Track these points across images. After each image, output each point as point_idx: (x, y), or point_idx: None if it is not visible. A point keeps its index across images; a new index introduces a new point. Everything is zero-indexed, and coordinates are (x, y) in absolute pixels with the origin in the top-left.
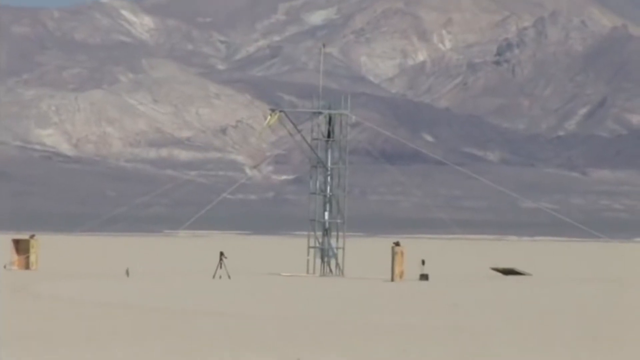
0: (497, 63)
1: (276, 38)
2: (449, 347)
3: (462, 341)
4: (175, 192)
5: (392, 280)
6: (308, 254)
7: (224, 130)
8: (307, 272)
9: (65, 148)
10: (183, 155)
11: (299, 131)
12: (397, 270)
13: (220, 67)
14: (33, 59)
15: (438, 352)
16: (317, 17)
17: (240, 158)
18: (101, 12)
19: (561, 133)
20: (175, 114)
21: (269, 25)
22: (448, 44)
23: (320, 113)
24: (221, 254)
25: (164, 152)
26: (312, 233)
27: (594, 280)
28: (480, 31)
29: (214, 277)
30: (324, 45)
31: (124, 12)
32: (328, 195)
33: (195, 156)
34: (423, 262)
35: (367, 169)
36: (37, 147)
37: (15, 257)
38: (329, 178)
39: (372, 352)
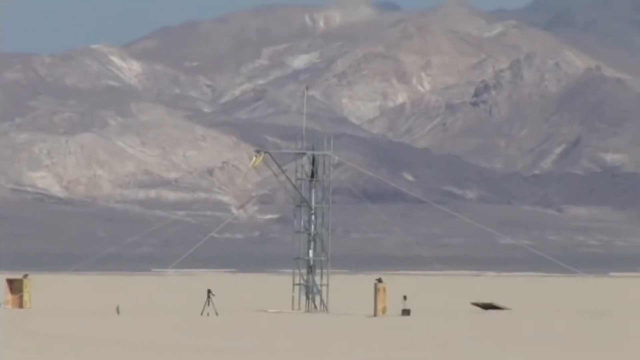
0: (475, 104)
1: (260, 82)
2: None
3: None
4: (163, 232)
5: (375, 315)
6: (293, 291)
7: (210, 172)
8: (293, 308)
9: (56, 190)
10: (171, 196)
11: (284, 172)
12: (379, 306)
13: (207, 110)
14: (25, 103)
15: None
16: (300, 61)
17: (226, 198)
18: (91, 58)
19: (537, 172)
20: (163, 156)
21: (253, 69)
22: (427, 86)
23: (303, 154)
24: (209, 291)
25: (153, 193)
26: (297, 270)
27: (572, 313)
28: (458, 73)
29: (201, 314)
30: (307, 88)
31: (113, 58)
32: (312, 234)
33: (182, 197)
34: (405, 298)
35: (349, 208)
36: (30, 189)
37: (9, 296)
38: (313, 217)
39: None
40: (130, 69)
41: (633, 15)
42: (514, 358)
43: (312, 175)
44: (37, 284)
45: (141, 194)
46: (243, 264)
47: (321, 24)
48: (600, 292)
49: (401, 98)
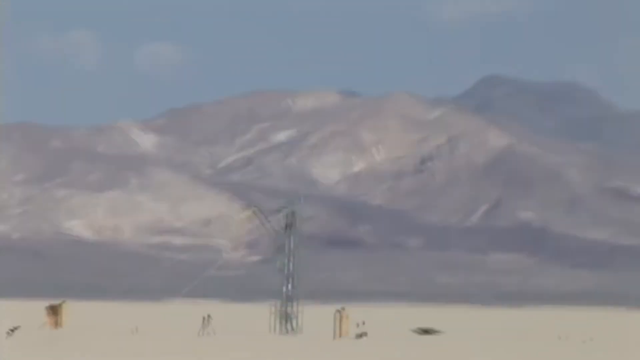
0: (418, 171)
1: (249, 151)
2: None
3: None
4: (172, 269)
5: (337, 337)
6: (271, 317)
7: (209, 222)
8: (270, 330)
9: (88, 235)
10: (178, 240)
11: (267, 222)
12: (341, 330)
13: (207, 173)
14: (64, 166)
15: None
16: (281, 136)
17: (222, 243)
18: (117, 131)
19: (467, 224)
20: (171, 209)
21: (244, 141)
22: (380, 157)
23: (282, 209)
24: (208, 316)
25: (164, 238)
26: (276, 301)
27: (494, 337)
28: (405, 147)
29: (199, 334)
30: (286, 158)
31: (134, 131)
32: (288, 272)
33: (187, 241)
34: (360, 324)
35: (318, 252)
36: (67, 234)
37: (49, 318)
38: (289, 259)
39: None
40: (147, 140)
41: (541, 103)
42: None
43: (289, 226)
44: (72, 309)
45: (154, 239)
46: (234, 295)
47: (297, 106)
48: (516, 321)
49: (359, 166)
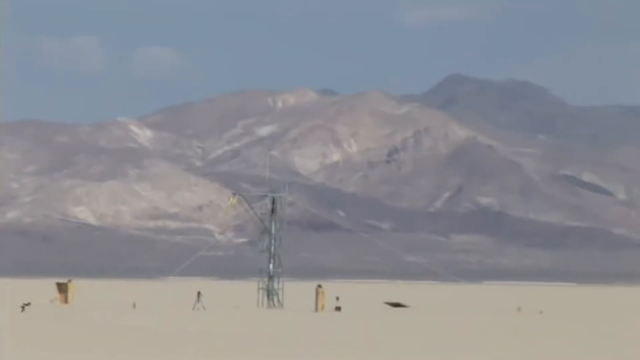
0: (388, 162)
1: (236, 145)
2: (349, 355)
3: (360, 349)
4: (167, 251)
5: (316, 311)
6: (258, 293)
7: (200, 208)
8: (258, 305)
9: (92, 220)
10: (173, 225)
11: (252, 208)
12: (319, 304)
13: (198, 164)
14: (70, 159)
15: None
16: (264, 130)
17: (212, 227)
18: (117, 127)
19: (432, 210)
20: (167, 197)
21: (232, 136)
22: (354, 149)
23: (266, 196)
24: (199, 293)
25: (160, 223)
26: (261, 279)
27: (455, 311)
28: (376, 140)
29: (193, 309)
30: (269, 150)
31: (132, 127)
32: (272, 253)
33: (181, 226)
34: (337, 299)
35: (299, 234)
36: (72, 219)
37: (58, 295)
38: (273, 241)
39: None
40: (144, 135)
41: (499, 100)
42: (418, 338)
43: (272, 211)
44: (78, 286)
45: (151, 224)
46: (223, 273)
47: (280, 104)
48: (477, 295)
49: (336, 157)
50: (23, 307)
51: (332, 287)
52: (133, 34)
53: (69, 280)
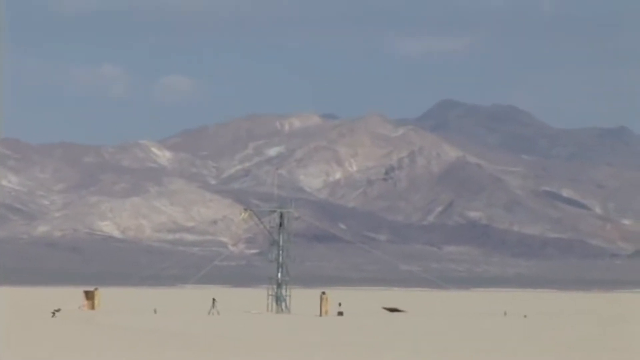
0: (385, 179)
1: (247, 164)
2: (352, 355)
3: (360, 350)
4: (184, 261)
5: (321, 315)
6: (268, 299)
7: (215, 222)
8: (267, 310)
9: (116, 233)
10: (189, 237)
11: (262, 222)
12: (323, 309)
13: (213, 182)
14: (96, 177)
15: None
16: (273, 151)
17: (225, 239)
18: (139, 148)
19: (425, 223)
20: (184, 212)
21: (243, 156)
22: (354, 168)
23: (275, 211)
24: (214, 299)
25: (177, 236)
26: (270, 286)
27: (447, 315)
28: (375, 159)
29: (209, 314)
30: (277, 169)
31: (153, 149)
32: (280, 262)
33: (197, 238)
34: (340, 304)
35: (304, 246)
36: (98, 233)
37: (85, 301)
38: (281, 251)
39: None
40: (163, 156)
41: (487, 123)
42: (415, 341)
43: (280, 225)
44: (103, 294)
45: (170, 237)
46: (235, 282)
47: (287, 127)
48: (466, 301)
49: (338, 175)
50: (54, 313)
51: (335, 294)
52: (154, 64)
53: (96, 289)
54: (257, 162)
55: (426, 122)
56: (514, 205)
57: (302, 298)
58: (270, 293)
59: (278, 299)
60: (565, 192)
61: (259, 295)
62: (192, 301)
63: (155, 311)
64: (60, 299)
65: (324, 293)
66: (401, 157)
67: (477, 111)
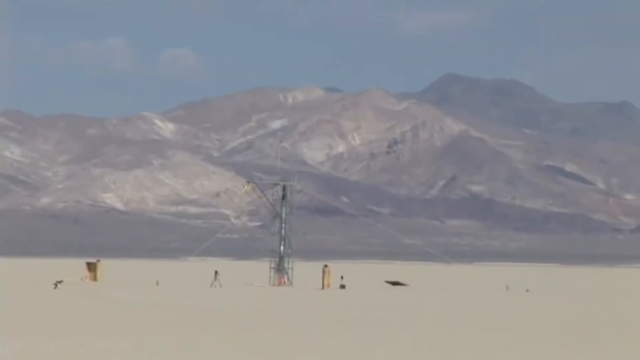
0: (388, 153)
1: (250, 137)
2: (353, 329)
3: (363, 322)
4: (187, 233)
5: (323, 288)
6: (271, 271)
7: (218, 194)
8: (270, 283)
9: (119, 205)
10: (192, 210)
11: (265, 195)
12: (326, 282)
13: (216, 155)
14: (100, 149)
15: (347, 331)
16: (276, 124)
17: (228, 212)
18: (142, 120)
19: (428, 197)
20: (187, 184)
21: (246, 129)
22: (358, 141)
23: (278, 184)
24: (216, 272)
25: (180, 208)
26: (273, 259)
27: (448, 288)
28: (378, 133)
29: (211, 286)
30: (281, 142)
31: (156, 121)
32: (283, 235)
33: (200, 211)
34: (342, 277)
35: (307, 219)
36: (102, 204)
37: (87, 273)
38: (283, 224)
39: (304, 329)
40: (167, 128)
41: (490, 97)
42: (417, 316)
43: (283, 198)
44: (106, 265)
45: (173, 209)
46: (238, 254)
47: (290, 100)
48: (469, 275)
49: (341, 148)
50: (56, 285)
51: (337, 267)
52: (157, 37)
53: (98, 260)
54: (260, 134)
55: (429, 96)
56: (517, 179)
57: (304, 271)
58: (272, 266)
59: (281, 271)
60: (568, 167)
61: (262, 268)
62: (194, 274)
63: (157, 283)
64: (63, 270)
65: (326, 266)
66: (404, 130)
67: (480, 85)
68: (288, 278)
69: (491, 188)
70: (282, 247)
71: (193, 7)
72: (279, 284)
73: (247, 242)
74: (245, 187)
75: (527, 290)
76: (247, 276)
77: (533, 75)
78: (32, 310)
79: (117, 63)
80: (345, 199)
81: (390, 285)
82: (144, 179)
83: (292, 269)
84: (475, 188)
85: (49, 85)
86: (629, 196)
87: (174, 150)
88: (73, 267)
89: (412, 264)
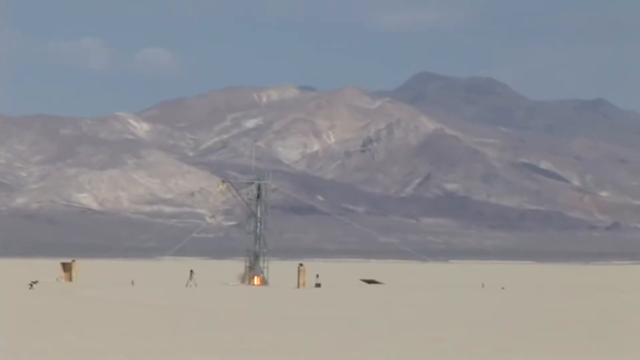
0: (363, 151)
1: (225, 136)
2: (329, 327)
3: (338, 321)
4: (162, 233)
5: (298, 287)
6: (245, 271)
7: (192, 194)
8: (244, 282)
9: (94, 205)
10: (167, 209)
11: (240, 194)
12: (301, 281)
13: (190, 154)
14: (74, 149)
15: (323, 329)
16: (250, 123)
17: (203, 211)
18: (116, 120)
19: (403, 195)
20: (162, 184)
21: (221, 128)
22: (332, 140)
23: (252, 183)
24: (191, 271)
25: (155, 208)
26: (248, 258)
27: (426, 286)
28: (352, 131)
29: (186, 286)
30: (255, 141)
31: (130, 120)
32: (258, 234)
33: (175, 210)
34: (317, 276)
35: (282, 218)
36: (76, 204)
37: (62, 273)
38: (258, 223)
39: (271, 329)
40: (141, 128)
41: (464, 95)
42: (388, 314)
43: (258, 197)
44: (81, 266)
45: (148, 208)
46: (213, 254)
47: (264, 99)
48: (444, 273)
49: (315, 147)
50: (31, 285)
51: (313, 266)
52: (132, 37)
53: (73, 260)
54: (234, 134)
55: (404, 95)
56: (492, 177)
57: (279, 270)
58: (247, 265)
59: (255, 271)
60: (543, 164)
61: (237, 267)
62: (170, 273)
63: (132, 283)
64: (38, 271)
65: (301, 265)
66: (379, 129)
67: (454, 83)
68: (264, 277)
69: (466, 186)
70: (257, 246)
71: (168, 6)
72: (249, 284)
73: (223, 241)
74: (220, 186)
75: (503, 288)
76: (222, 275)
77: (508, 73)
78: (7, 311)
79: (93, 63)
80: (320, 198)
81: (366, 284)
82: (118, 178)
83: (267, 267)
84: (450, 186)
85: (24, 84)
86: (604, 193)
87: (149, 150)
88: (48, 268)
89: (387, 262)
